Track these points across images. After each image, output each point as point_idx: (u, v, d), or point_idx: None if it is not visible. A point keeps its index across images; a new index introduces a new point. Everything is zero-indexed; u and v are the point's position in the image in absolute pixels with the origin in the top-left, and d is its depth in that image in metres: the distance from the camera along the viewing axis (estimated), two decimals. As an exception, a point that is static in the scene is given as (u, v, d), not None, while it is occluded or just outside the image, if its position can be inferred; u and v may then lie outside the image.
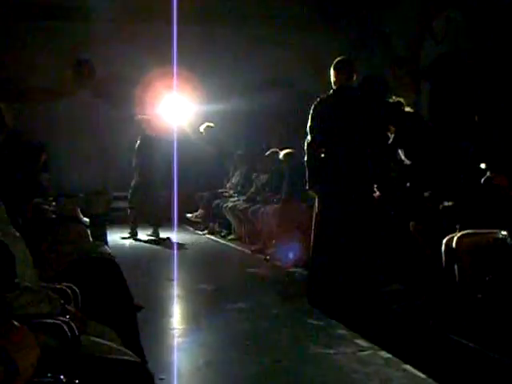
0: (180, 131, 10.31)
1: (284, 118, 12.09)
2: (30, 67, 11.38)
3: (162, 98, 11.45)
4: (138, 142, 9.44)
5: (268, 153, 9.00)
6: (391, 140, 5.52)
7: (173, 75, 10.99)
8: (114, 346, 2.13)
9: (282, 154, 8.15)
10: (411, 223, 4.77)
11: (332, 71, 5.32)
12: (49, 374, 1.62)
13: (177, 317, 5.09)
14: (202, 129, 10.63)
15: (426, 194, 4.89)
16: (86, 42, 11.14)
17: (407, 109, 5.46)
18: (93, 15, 9.61)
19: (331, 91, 5.35)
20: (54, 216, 5.12)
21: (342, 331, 4.47)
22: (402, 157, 5.26)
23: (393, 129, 5.33)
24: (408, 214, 4.93)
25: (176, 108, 11.62)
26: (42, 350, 1.63)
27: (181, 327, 4.72)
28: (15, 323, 1.64)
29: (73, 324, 2.05)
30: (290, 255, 7.05)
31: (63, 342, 1.94)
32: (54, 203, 5.81)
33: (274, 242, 7.78)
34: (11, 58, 11.45)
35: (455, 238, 4.22)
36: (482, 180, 4.14)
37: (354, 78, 5.34)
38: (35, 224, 3.92)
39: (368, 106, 5.34)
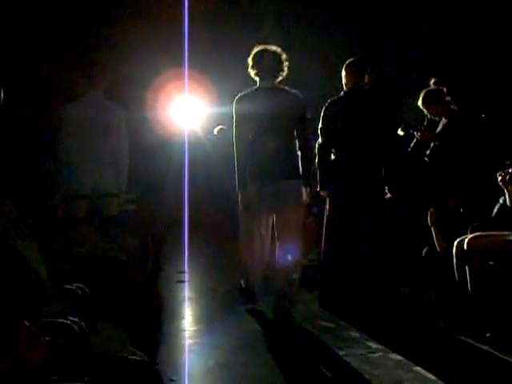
0: (192, 134, 10.33)
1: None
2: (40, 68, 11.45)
3: (174, 100, 11.47)
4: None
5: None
6: (413, 144, 5.50)
7: (184, 78, 11.01)
8: (124, 345, 2.14)
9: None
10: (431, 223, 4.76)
11: (344, 72, 5.31)
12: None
13: (188, 318, 5.09)
14: (215, 131, 10.65)
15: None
16: (98, 44, 11.19)
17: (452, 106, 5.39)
18: (106, 17, 9.65)
19: (342, 92, 5.34)
20: (65, 217, 5.14)
21: (353, 333, 4.46)
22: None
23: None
24: (420, 217, 4.92)
25: (188, 110, 11.64)
26: (52, 349, 1.64)
27: (192, 329, 4.73)
28: (26, 323, 1.66)
29: (83, 324, 2.07)
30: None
31: (73, 342, 1.96)
32: (65, 205, 5.83)
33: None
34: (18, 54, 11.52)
35: (466, 240, 4.20)
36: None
37: (366, 79, 5.32)
38: (46, 225, 3.94)
39: (380, 108, 5.32)
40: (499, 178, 4.11)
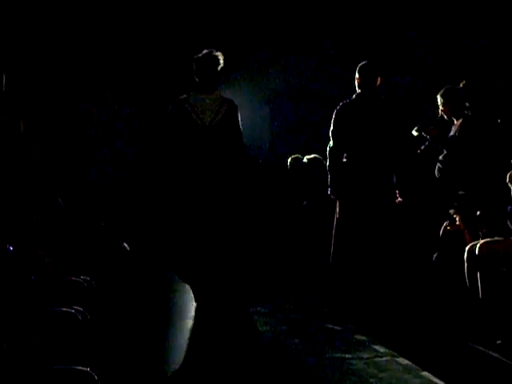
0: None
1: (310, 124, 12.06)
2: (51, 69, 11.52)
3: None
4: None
5: (289, 159, 8.97)
6: (424, 147, 5.46)
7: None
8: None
9: (305, 158, 8.12)
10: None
11: (356, 75, 5.29)
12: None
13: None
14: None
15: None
16: (110, 45, 11.23)
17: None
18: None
19: (354, 96, 5.31)
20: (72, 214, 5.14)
21: (360, 336, 4.41)
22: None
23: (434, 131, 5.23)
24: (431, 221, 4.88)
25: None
26: (56, 337, 1.63)
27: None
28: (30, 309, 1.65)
29: (87, 313, 2.06)
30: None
31: (77, 331, 1.95)
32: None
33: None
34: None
35: (478, 245, 4.16)
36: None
37: (379, 82, 5.29)
38: (54, 220, 3.94)
39: (392, 111, 5.29)
40: (508, 179, 4.09)
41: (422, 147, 5.51)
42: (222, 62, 5.08)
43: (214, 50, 5.07)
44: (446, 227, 4.78)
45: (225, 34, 10.91)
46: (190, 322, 4.85)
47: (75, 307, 2.11)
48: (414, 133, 5.30)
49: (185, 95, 5.14)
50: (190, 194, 5.00)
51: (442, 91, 5.31)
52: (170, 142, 5.10)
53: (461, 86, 5.32)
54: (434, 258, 4.76)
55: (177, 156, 5.04)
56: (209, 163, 4.98)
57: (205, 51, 5.08)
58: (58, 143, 5.16)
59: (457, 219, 4.63)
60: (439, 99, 5.31)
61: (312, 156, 7.99)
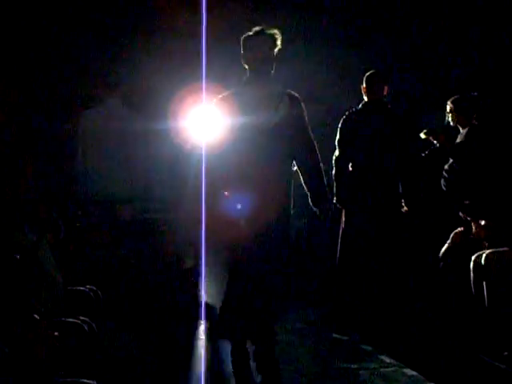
0: (210, 146, 10.33)
1: (314, 132, 12.07)
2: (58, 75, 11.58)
3: (192, 112, 11.51)
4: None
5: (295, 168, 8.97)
6: (428, 151, 5.44)
7: (202, 90, 11.04)
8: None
9: None
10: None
11: (363, 84, 5.29)
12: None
13: (201, 327, 5.05)
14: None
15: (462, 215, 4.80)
16: (118, 53, 11.28)
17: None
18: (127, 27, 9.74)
19: (360, 105, 5.32)
20: (80, 223, 5.15)
21: (366, 347, 4.41)
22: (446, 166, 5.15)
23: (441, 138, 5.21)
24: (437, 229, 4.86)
25: (206, 122, 11.67)
26: (62, 347, 1.63)
27: (202, 337, 4.69)
28: (36, 316, 1.65)
29: (93, 324, 2.06)
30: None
31: (83, 341, 1.95)
32: (80, 211, 5.84)
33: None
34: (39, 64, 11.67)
35: (484, 255, 4.14)
36: None
37: (386, 91, 5.30)
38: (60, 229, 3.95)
39: (398, 120, 5.29)
40: None
41: (427, 152, 5.49)
42: (279, 42, 3.99)
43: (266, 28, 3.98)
44: (458, 233, 4.73)
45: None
46: (197, 336, 4.86)
47: (81, 317, 2.11)
48: (422, 135, 5.26)
49: (230, 91, 4.13)
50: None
51: (452, 98, 5.30)
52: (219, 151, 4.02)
53: (471, 95, 5.32)
54: (440, 266, 4.73)
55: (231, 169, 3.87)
56: (267, 178, 3.81)
57: (256, 29, 3.97)
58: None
59: (474, 227, 4.58)
60: (449, 106, 5.30)
61: None
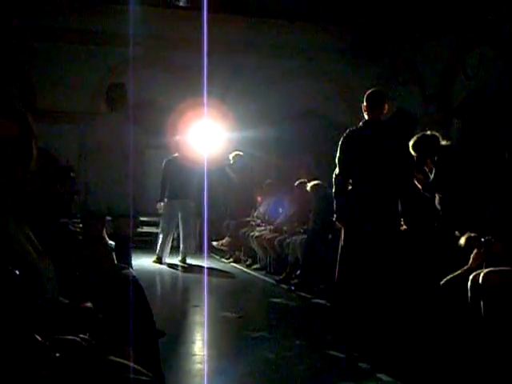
0: (210, 159, 10.40)
1: (314, 148, 12.15)
2: (63, 89, 11.71)
3: (194, 125, 11.58)
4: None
5: (296, 183, 9.01)
6: (431, 179, 5.47)
7: (204, 104, 11.15)
8: (133, 365, 2.13)
9: (309, 185, 8.16)
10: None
11: (364, 103, 5.32)
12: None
13: (199, 343, 5.05)
14: (231, 157, 10.71)
15: (457, 234, 4.80)
16: (121, 68, 11.38)
17: (443, 142, 5.40)
18: (129, 42, 9.83)
19: (361, 123, 5.34)
20: (79, 237, 5.16)
21: (365, 364, 4.40)
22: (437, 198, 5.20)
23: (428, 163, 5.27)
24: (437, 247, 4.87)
25: (207, 136, 11.74)
26: (62, 366, 1.64)
27: (202, 354, 4.68)
28: (38, 337, 1.66)
29: (93, 342, 2.06)
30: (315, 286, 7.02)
31: (83, 359, 1.95)
32: (80, 225, 5.86)
33: (298, 272, 7.78)
34: (45, 79, 11.80)
35: (482, 274, 4.15)
36: None
37: (386, 110, 5.33)
38: (61, 244, 3.96)
39: (398, 139, 5.32)
40: None
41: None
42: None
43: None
44: (478, 253, 4.67)
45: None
46: (193, 346, 4.86)
47: (81, 335, 2.10)
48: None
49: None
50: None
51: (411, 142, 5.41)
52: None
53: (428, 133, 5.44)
54: (441, 284, 4.73)
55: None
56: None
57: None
58: None
59: (493, 247, 4.53)
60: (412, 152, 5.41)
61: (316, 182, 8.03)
